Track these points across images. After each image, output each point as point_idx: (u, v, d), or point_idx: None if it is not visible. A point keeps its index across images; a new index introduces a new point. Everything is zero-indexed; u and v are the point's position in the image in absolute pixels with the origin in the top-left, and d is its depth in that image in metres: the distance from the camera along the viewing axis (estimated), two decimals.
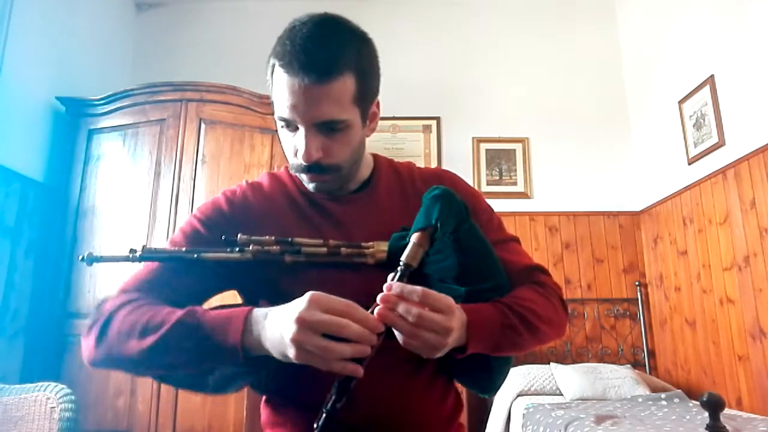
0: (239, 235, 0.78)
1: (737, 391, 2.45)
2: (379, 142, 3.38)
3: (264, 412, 0.84)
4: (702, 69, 2.76)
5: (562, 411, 2.16)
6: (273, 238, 0.78)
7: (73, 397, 1.57)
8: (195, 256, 0.76)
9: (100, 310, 0.74)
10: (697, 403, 1.84)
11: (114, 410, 2.29)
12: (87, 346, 0.73)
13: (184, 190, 2.53)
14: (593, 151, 3.45)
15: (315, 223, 0.83)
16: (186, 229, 0.83)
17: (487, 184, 3.40)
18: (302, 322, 0.60)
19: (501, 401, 2.58)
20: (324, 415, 0.64)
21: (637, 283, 3.23)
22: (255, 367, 0.72)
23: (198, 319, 0.67)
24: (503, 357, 0.80)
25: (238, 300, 0.86)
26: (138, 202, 2.53)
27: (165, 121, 2.60)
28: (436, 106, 3.52)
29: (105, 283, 2.41)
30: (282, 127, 0.78)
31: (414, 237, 0.73)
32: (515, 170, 3.44)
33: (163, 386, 2.29)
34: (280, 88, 0.73)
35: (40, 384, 1.61)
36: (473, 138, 3.47)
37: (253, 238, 0.78)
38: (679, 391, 2.51)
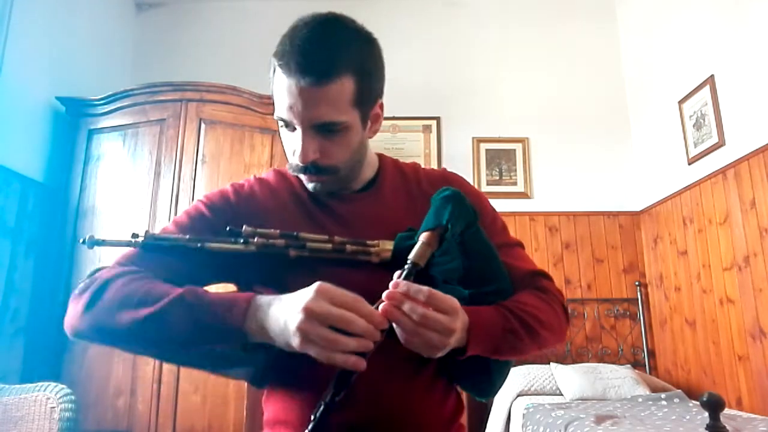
0: (244, 227, 0.77)
1: (737, 391, 2.45)
2: (379, 142, 3.38)
3: (266, 410, 0.83)
4: (702, 69, 2.76)
5: (562, 411, 2.17)
6: (278, 231, 0.77)
7: (73, 397, 1.56)
8: (198, 245, 0.75)
9: (93, 277, 0.71)
10: (697, 403, 1.84)
11: (114, 410, 2.28)
12: (73, 312, 0.69)
13: (184, 190, 2.53)
14: (593, 151, 3.46)
15: (319, 220, 0.82)
16: (191, 212, 0.82)
17: (487, 184, 3.40)
18: (309, 312, 0.60)
19: (501, 401, 2.58)
20: (322, 407, 0.63)
21: (637, 283, 3.24)
22: (252, 354, 0.70)
23: (200, 297, 0.66)
24: (503, 361, 0.80)
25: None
26: (138, 202, 2.52)
27: (165, 121, 2.60)
28: (436, 106, 3.52)
29: None
30: (282, 126, 0.78)
31: (423, 236, 0.73)
32: (515, 170, 3.44)
33: (164, 386, 2.29)
34: (279, 88, 0.73)
35: (40, 384, 1.60)
36: (473, 138, 3.48)
37: (258, 230, 0.77)
38: (679, 391, 2.51)
